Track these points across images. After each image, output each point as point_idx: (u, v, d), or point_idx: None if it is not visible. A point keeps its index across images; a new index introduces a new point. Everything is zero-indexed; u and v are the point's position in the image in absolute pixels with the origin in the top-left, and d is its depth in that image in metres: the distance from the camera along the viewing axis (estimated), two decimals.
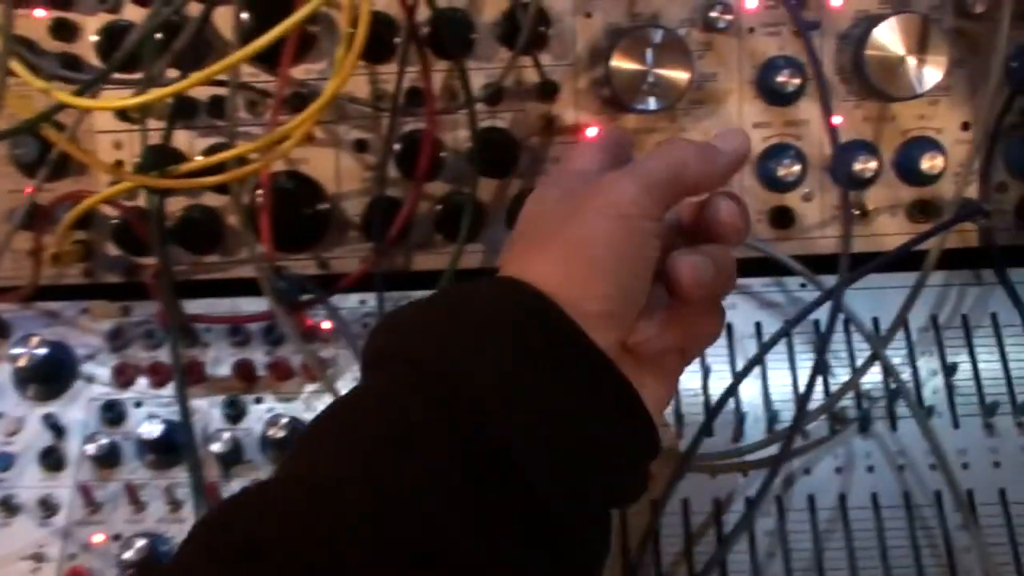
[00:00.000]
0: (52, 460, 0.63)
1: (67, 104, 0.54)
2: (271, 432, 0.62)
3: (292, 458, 0.42)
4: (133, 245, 0.68)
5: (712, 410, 0.57)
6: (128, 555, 0.59)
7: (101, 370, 0.66)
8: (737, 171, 0.50)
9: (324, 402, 0.64)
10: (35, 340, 0.65)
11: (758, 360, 0.59)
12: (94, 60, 0.66)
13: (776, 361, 0.65)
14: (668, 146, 0.48)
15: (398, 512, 0.37)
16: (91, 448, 0.62)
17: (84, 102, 0.52)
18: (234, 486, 0.62)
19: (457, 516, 0.38)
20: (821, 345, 0.55)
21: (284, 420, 0.62)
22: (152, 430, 0.62)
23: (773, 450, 0.61)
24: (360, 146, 0.68)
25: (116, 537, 0.61)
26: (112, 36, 0.66)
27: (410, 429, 0.39)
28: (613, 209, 0.45)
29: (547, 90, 0.65)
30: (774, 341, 0.59)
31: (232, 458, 0.63)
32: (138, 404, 0.65)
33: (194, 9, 0.65)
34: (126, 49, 0.54)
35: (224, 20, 0.64)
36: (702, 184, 0.48)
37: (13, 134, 0.61)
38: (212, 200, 0.68)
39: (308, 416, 0.64)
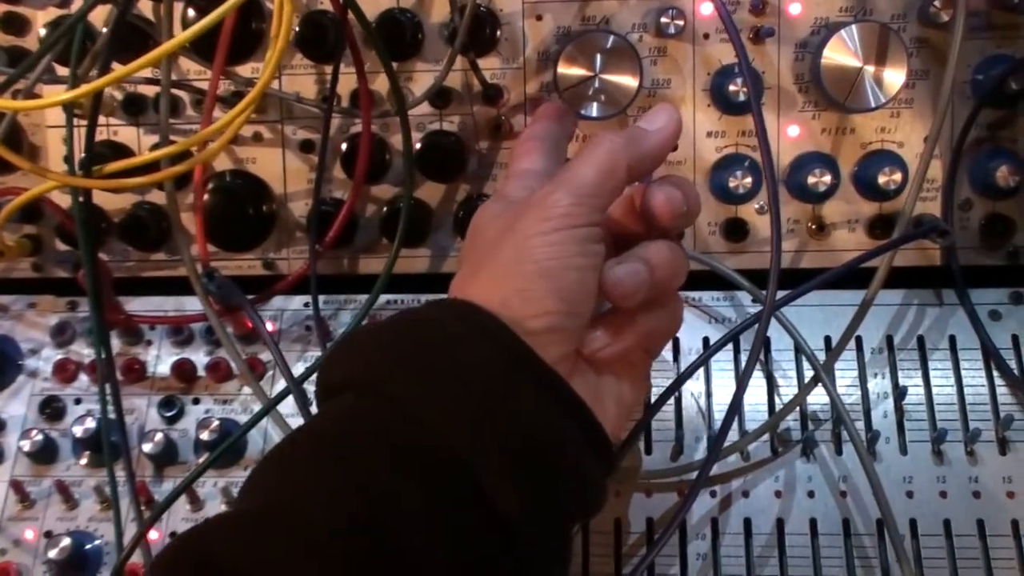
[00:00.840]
0: None
1: None
2: (203, 434, 0.61)
3: (257, 485, 0.42)
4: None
5: (637, 426, 0.56)
6: (53, 554, 0.59)
7: (44, 365, 0.67)
8: (671, 146, 0.49)
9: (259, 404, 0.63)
10: None
11: (687, 375, 0.58)
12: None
13: (724, 378, 0.63)
14: (595, 143, 0.47)
15: (369, 536, 0.38)
16: (26, 444, 0.63)
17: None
18: (166, 487, 0.62)
19: (425, 536, 0.38)
20: (748, 362, 0.52)
21: (215, 423, 0.61)
22: (85, 427, 0.62)
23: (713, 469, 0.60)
24: (307, 146, 0.67)
25: (47, 534, 0.61)
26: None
27: (371, 457, 0.40)
28: (547, 224, 0.44)
29: (490, 93, 0.64)
30: (702, 361, 0.57)
31: (165, 458, 0.62)
32: (78, 401, 0.65)
33: (144, 7, 0.65)
34: (42, 49, 0.53)
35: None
36: (637, 171, 0.48)
37: None
38: (161, 198, 0.67)
39: (244, 418, 0.63)
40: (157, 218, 0.67)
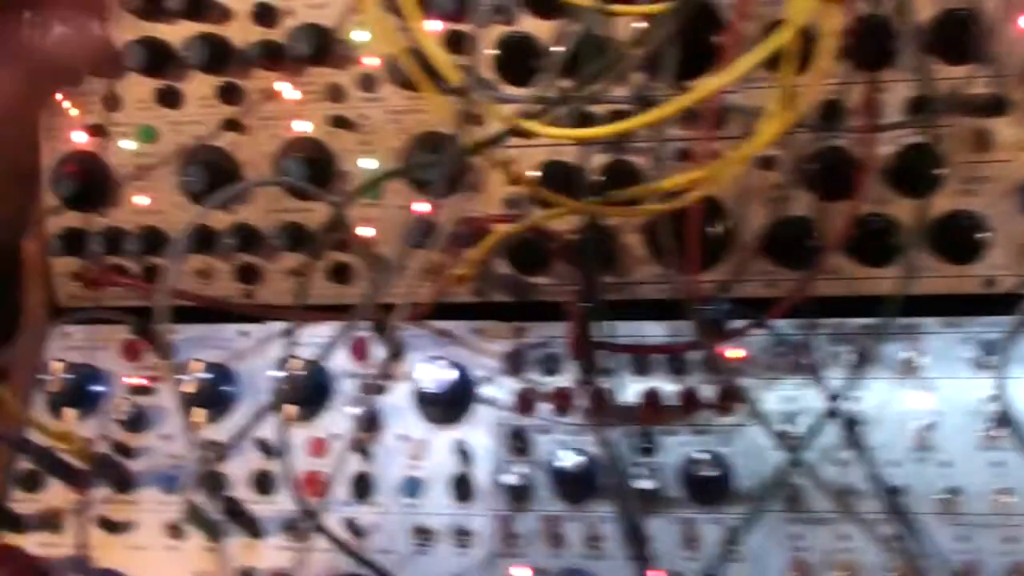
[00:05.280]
0: (462, 487, 0.63)
1: (526, 131, 0.52)
2: (697, 469, 0.59)
3: None
4: (525, 264, 0.66)
5: None
6: None
7: (500, 394, 0.65)
8: None
9: (744, 435, 0.62)
10: (441, 362, 0.64)
11: None
12: (489, 74, 0.64)
13: None
14: None
15: None
16: (508, 477, 0.61)
17: (551, 130, 0.50)
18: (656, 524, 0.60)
19: None
20: None
21: (710, 458, 0.59)
22: (570, 461, 0.61)
23: None
24: (766, 163, 0.63)
25: (540, 571, 0.60)
26: (511, 49, 0.63)
27: None
28: None
29: (993, 105, 0.59)
30: None
31: (654, 494, 0.60)
32: (544, 431, 0.64)
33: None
34: (594, 69, 0.51)
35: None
36: None
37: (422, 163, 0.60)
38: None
39: (727, 451, 0.61)
40: (607, 240, 0.64)
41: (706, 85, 0.49)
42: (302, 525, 0.59)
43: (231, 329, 0.70)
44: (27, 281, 0.73)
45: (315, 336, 0.69)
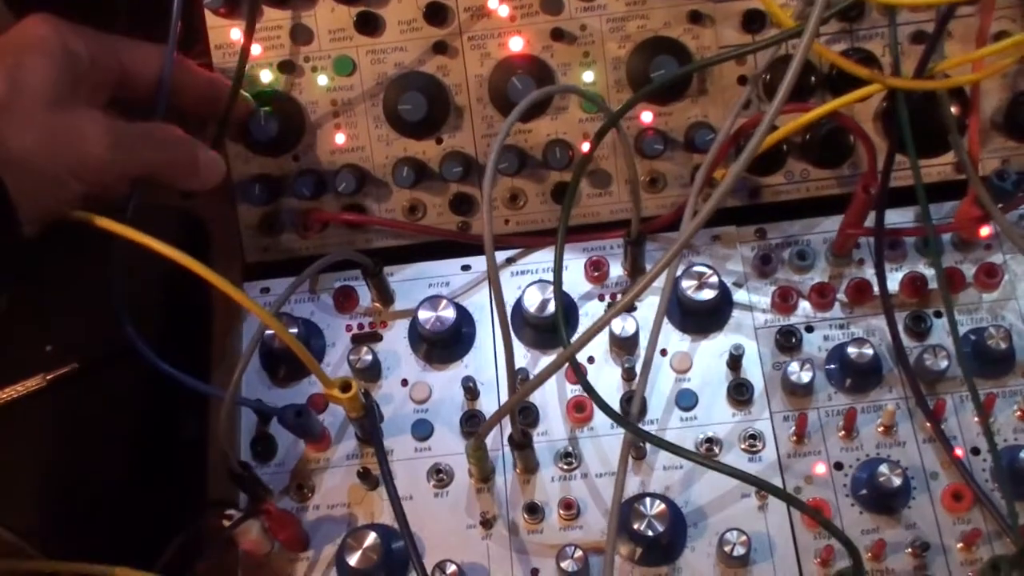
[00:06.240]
0: (739, 393, 0.61)
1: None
2: (994, 342, 0.59)
3: None
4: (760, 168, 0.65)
5: None
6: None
7: (754, 297, 0.64)
8: None
9: (1010, 310, 0.62)
10: (708, 273, 0.62)
11: None
12: None
13: None
14: None
15: None
16: (793, 376, 0.60)
17: None
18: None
19: None
20: None
21: (1001, 331, 0.59)
22: (859, 352, 0.60)
23: None
24: (997, 37, 0.63)
25: (837, 465, 0.59)
26: None
27: None
28: None
29: None
30: None
31: (943, 374, 0.60)
32: (809, 328, 0.63)
33: None
34: None
35: None
36: None
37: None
38: None
39: (1005, 324, 0.61)
40: None
41: None
42: (627, 447, 0.57)
43: (451, 265, 0.67)
44: (214, 241, 0.68)
45: (538, 263, 0.67)
